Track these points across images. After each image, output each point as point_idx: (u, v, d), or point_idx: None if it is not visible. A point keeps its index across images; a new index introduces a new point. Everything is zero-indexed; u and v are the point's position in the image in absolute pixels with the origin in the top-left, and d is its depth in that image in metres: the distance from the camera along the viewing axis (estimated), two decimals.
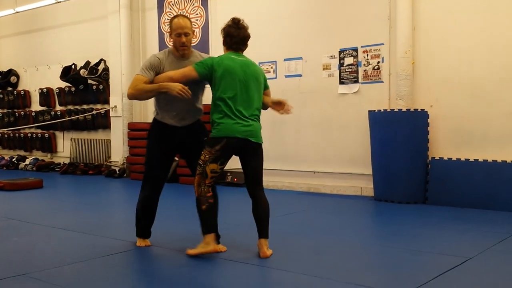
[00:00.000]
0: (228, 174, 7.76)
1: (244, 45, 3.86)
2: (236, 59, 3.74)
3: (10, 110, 11.84)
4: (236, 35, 3.77)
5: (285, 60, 7.61)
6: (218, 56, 3.79)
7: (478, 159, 5.86)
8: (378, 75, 6.74)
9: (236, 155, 3.70)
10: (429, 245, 4.04)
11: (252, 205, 3.68)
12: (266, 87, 3.93)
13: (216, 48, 8.43)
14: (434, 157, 6.18)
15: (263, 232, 3.63)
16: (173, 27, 3.80)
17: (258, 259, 3.57)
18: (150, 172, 3.98)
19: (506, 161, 5.69)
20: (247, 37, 3.84)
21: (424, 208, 5.81)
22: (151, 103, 10.01)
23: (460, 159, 5.98)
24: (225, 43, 3.83)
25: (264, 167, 3.77)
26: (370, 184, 6.56)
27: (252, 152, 3.68)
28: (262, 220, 3.64)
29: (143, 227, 4.03)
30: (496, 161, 5.74)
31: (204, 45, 8.68)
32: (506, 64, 5.84)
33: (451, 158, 6.04)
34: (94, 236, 4.42)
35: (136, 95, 3.91)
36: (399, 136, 6.09)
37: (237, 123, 3.57)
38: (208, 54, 8.53)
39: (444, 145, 6.23)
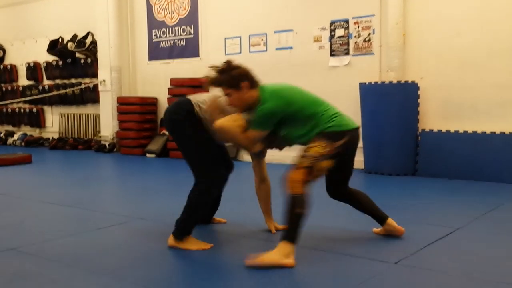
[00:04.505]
0: None
1: None
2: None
3: None
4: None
5: (275, 32, 7.53)
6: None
7: (467, 131, 5.89)
8: (369, 47, 6.70)
9: None
10: (418, 216, 4.08)
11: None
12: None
13: (206, 22, 8.32)
14: (424, 129, 6.19)
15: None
16: None
17: (252, 232, 3.59)
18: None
19: (495, 132, 5.72)
20: None
21: (414, 180, 5.85)
22: (140, 76, 9.89)
23: (449, 130, 6.00)
24: (252, 81, 3.12)
25: None
26: (361, 156, 6.57)
27: None
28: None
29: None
30: (485, 132, 5.77)
31: (192, 16, 8.56)
32: (496, 35, 5.82)
33: (441, 130, 6.06)
34: (84, 211, 4.41)
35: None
36: (389, 109, 6.08)
37: None
38: (198, 27, 8.47)
39: (434, 117, 6.25)
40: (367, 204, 3.46)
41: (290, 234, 2.89)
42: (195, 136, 3.28)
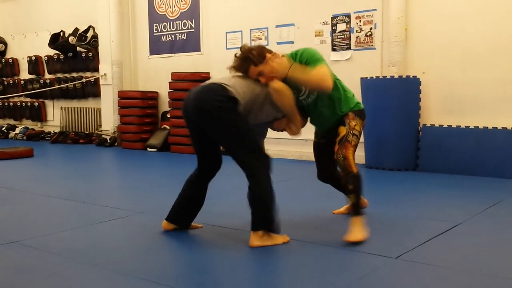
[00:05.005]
0: None
1: None
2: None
3: None
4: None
5: (277, 26, 7.51)
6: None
7: (469, 126, 5.88)
8: (370, 42, 6.68)
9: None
10: (419, 210, 4.08)
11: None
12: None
13: (207, 16, 8.30)
14: (426, 124, 6.19)
15: None
16: None
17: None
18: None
19: (496, 127, 5.71)
20: None
21: (415, 175, 5.85)
22: (141, 70, 9.87)
23: (451, 125, 5.99)
24: (271, 52, 3.38)
25: None
26: (361, 151, 6.56)
27: None
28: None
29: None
30: (487, 127, 5.76)
31: (194, 10, 8.54)
32: (498, 30, 5.80)
33: (442, 125, 6.06)
34: (85, 204, 4.42)
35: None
36: (391, 103, 6.07)
37: None
38: (199, 21, 8.45)
39: (436, 112, 6.24)
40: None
41: (359, 209, 3.23)
42: (242, 121, 3.13)
